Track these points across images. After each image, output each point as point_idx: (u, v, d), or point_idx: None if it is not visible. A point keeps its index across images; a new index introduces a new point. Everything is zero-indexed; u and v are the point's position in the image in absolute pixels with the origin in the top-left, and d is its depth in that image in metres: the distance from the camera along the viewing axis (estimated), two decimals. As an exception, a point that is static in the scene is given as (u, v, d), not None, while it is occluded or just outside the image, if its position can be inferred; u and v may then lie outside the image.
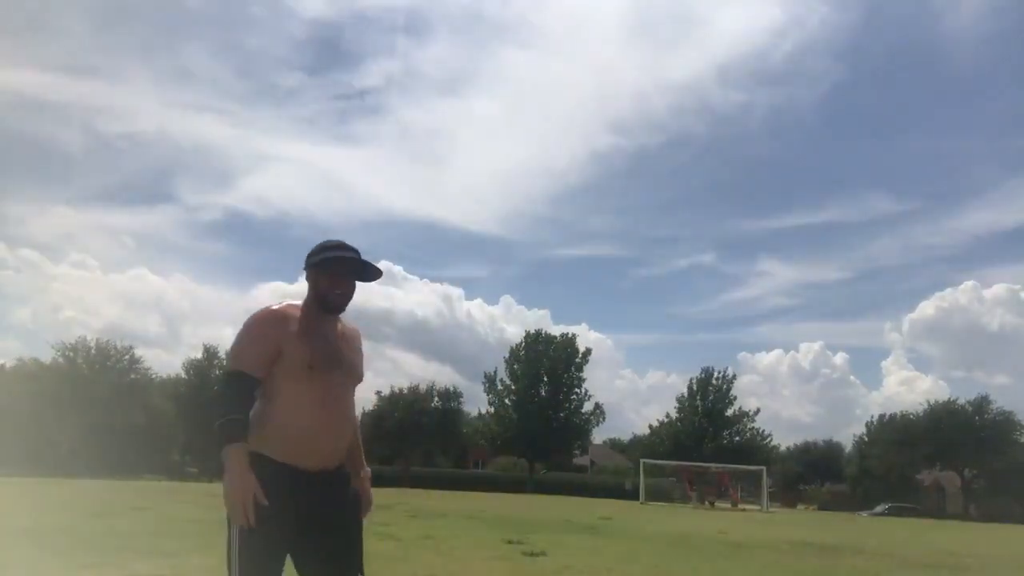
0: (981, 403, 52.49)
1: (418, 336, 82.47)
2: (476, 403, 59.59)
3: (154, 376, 52.85)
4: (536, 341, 51.37)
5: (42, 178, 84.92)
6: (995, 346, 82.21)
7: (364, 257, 2.47)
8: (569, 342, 51.45)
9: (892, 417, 58.04)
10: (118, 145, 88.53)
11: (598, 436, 64.68)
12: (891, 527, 24.02)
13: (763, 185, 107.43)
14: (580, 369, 51.20)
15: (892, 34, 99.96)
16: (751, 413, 53.46)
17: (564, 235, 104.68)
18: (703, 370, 54.00)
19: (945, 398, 55.37)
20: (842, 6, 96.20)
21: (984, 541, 17.74)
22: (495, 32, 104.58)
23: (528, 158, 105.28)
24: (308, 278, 2.43)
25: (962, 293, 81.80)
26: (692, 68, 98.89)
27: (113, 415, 45.01)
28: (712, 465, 42.03)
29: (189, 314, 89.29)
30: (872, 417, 61.30)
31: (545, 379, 50.45)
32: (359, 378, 2.51)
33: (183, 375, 52.98)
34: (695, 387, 53.76)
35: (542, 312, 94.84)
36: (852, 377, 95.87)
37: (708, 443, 49.98)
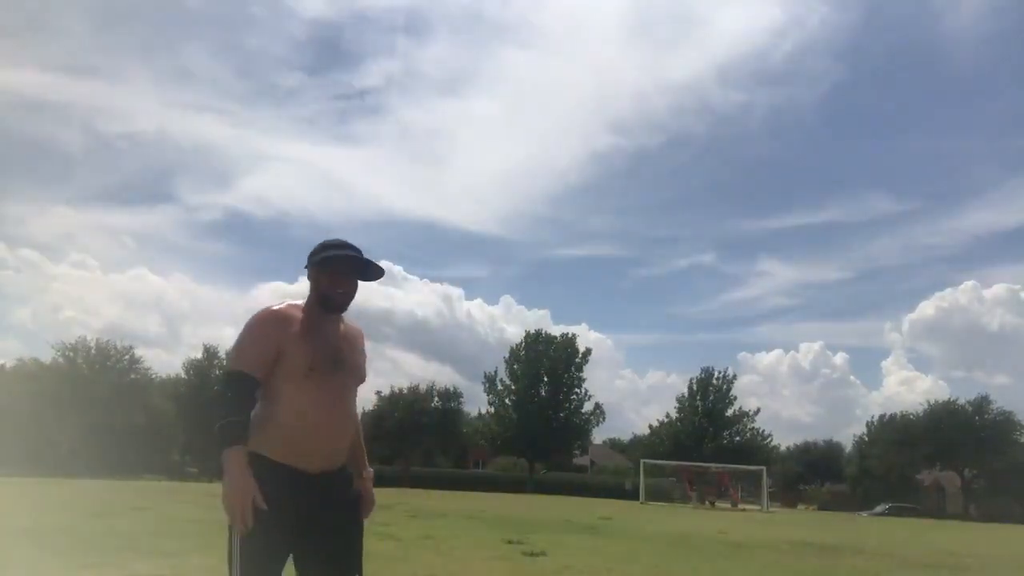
0: (981, 403, 52.54)
1: (418, 336, 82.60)
2: (476, 403, 59.70)
3: (154, 376, 52.96)
4: (536, 341, 51.38)
5: (42, 178, 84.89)
6: (995, 346, 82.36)
7: (365, 256, 2.46)
8: (569, 342, 51.46)
9: (892, 417, 58.08)
10: (118, 145, 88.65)
11: (598, 436, 64.79)
12: (891, 527, 24.02)
13: (763, 185, 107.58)
14: (580, 369, 51.23)
15: (892, 34, 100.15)
16: (751, 413, 53.54)
17: (564, 235, 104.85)
18: (703, 370, 54.10)
19: (945, 398, 55.56)
20: (842, 6, 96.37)
21: (984, 541, 17.74)
22: (495, 32, 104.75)
23: (528, 158, 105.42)
24: (310, 277, 2.41)
25: (962, 293, 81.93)
26: (692, 68, 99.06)
27: (113, 415, 45.02)
28: (712, 465, 42.03)
29: (189, 314, 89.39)
30: (872, 417, 61.45)
31: (545, 379, 50.45)
32: (361, 379, 2.49)
33: (183, 375, 53.04)
34: (695, 387, 53.77)
35: (542, 312, 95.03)
36: (852, 377, 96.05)
37: (708, 443, 49.96)
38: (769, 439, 54.25)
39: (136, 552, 6.87)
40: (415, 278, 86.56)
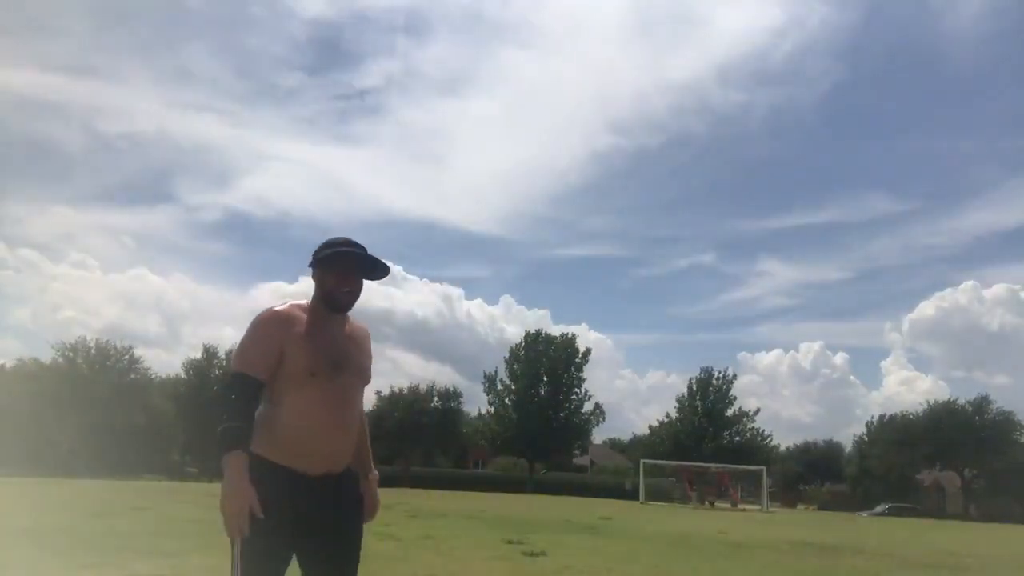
0: (981, 403, 52.53)
1: (418, 336, 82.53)
2: (476, 403, 59.67)
3: (154, 376, 52.93)
4: (536, 341, 51.37)
5: (42, 178, 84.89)
6: (995, 346, 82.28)
7: (371, 254, 2.41)
8: (569, 342, 51.45)
9: (892, 417, 58.07)
10: (118, 145, 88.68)
11: (598, 436, 64.79)
12: (891, 527, 24.02)
13: (763, 185, 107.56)
14: (580, 369, 51.22)
15: (892, 34, 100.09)
16: (751, 413, 53.48)
17: (564, 235, 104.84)
18: (703, 370, 54.04)
19: (945, 398, 55.55)
20: (842, 6, 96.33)
21: (984, 541, 17.74)
22: (495, 32, 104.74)
23: (528, 158, 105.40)
24: (314, 276, 2.38)
25: (962, 293, 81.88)
26: (692, 68, 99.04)
27: (113, 415, 45.01)
28: (712, 465, 42.01)
29: (189, 314, 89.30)
30: (872, 417, 61.44)
31: (545, 379, 50.44)
32: (366, 380, 2.46)
33: (183, 375, 52.96)
34: (695, 387, 53.73)
35: (542, 312, 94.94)
36: (852, 377, 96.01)
37: (708, 443, 49.94)
38: (769, 439, 54.28)
39: (136, 552, 6.87)
40: (415, 278, 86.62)
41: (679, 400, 54.48)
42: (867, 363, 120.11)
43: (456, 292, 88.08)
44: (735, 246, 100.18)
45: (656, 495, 37.81)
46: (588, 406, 51.01)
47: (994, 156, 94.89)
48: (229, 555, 2.17)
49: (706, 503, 36.80)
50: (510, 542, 9.46)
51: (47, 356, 48.49)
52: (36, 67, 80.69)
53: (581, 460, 60.94)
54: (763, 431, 53.66)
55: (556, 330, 53.01)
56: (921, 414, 54.94)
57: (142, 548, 7.16)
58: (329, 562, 2.30)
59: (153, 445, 49.90)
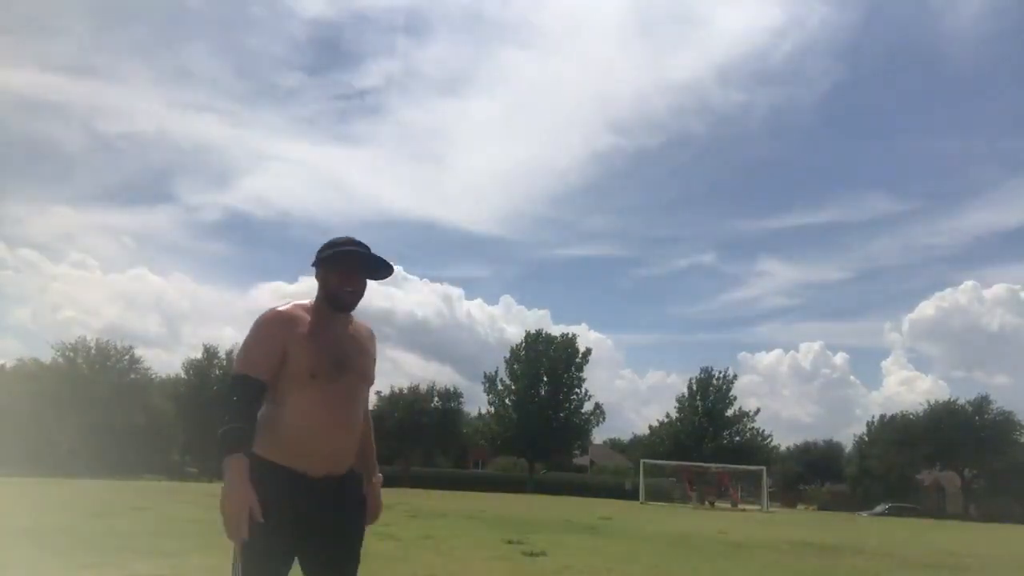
0: (981, 403, 52.53)
1: (418, 336, 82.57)
2: (476, 403, 59.68)
3: (154, 376, 52.93)
4: (536, 341, 51.38)
5: (42, 178, 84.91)
6: (995, 346, 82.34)
7: (374, 253, 2.39)
8: (569, 342, 51.46)
9: (892, 417, 58.09)
10: (118, 145, 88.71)
11: (598, 436, 64.80)
12: (891, 527, 24.02)
13: (763, 185, 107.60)
14: (580, 369, 51.24)
15: (892, 34, 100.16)
16: (751, 413, 53.51)
17: (564, 235, 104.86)
18: (703, 370, 54.07)
19: (945, 398, 55.56)
20: (842, 6, 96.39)
21: (984, 541, 17.74)
22: (495, 32, 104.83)
23: (528, 158, 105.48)
24: (317, 275, 2.37)
25: (962, 293, 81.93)
26: (692, 68, 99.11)
27: (113, 415, 45.01)
28: (712, 465, 42.02)
29: (189, 314, 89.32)
30: (872, 417, 61.46)
31: (545, 379, 50.46)
32: (369, 381, 2.45)
33: (183, 375, 52.93)
34: (695, 387, 53.75)
35: (542, 312, 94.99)
36: (852, 377, 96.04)
37: (708, 443, 49.95)
38: (769, 439, 54.31)
39: (136, 552, 6.87)
40: (415, 278, 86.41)
41: (679, 400, 54.56)
42: (867, 363, 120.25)
43: (456, 292, 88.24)
44: (735, 246, 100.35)
45: (656, 495, 37.82)
46: (588, 406, 51.12)
47: (994, 156, 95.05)
48: (229, 555, 2.17)
49: (706, 503, 36.80)
50: (510, 542, 9.46)
51: (47, 356, 48.60)
52: (36, 67, 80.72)
53: (581, 460, 60.94)
54: (763, 431, 53.79)
55: (556, 330, 53.14)
56: (921, 414, 54.97)
57: (142, 548, 7.16)
58: (329, 563, 2.29)
59: (153, 445, 49.89)
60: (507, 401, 50.45)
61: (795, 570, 9.06)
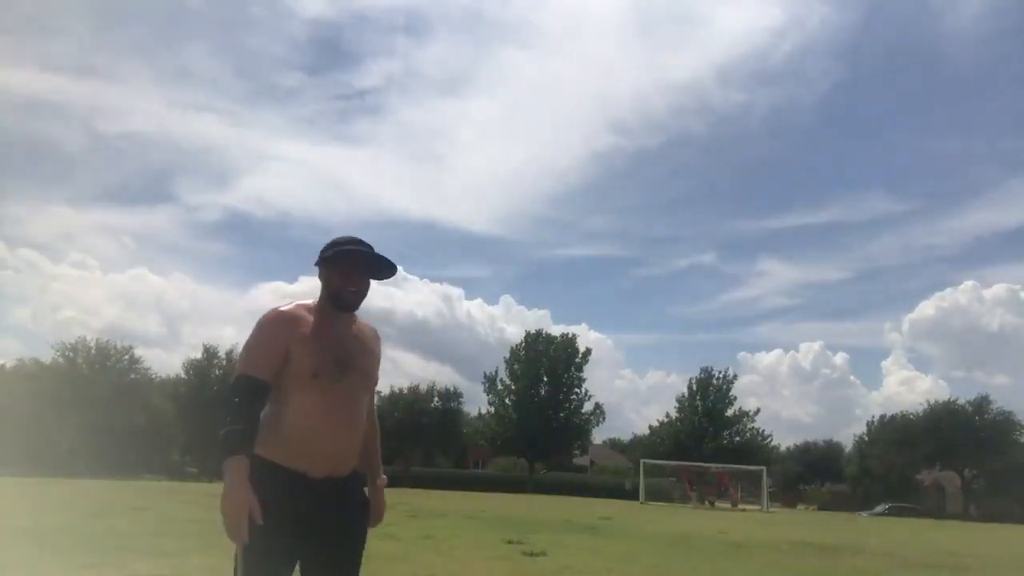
0: (981, 403, 52.55)
1: (418, 336, 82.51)
2: (476, 403, 59.68)
3: (154, 376, 52.91)
4: (536, 341, 51.39)
5: (42, 178, 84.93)
6: (995, 346, 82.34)
7: (378, 252, 2.38)
8: (569, 342, 51.46)
9: (892, 417, 58.11)
10: (118, 145, 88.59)
11: (598, 436, 64.83)
12: (891, 527, 24.03)
13: (763, 185, 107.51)
14: (580, 369, 51.24)
15: (892, 34, 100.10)
16: (751, 413, 53.54)
17: (564, 235, 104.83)
18: (703, 370, 54.10)
19: (945, 398, 55.60)
20: (842, 6, 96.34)
21: (984, 541, 17.74)
22: (495, 32, 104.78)
23: (528, 158, 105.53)
24: (320, 275, 2.36)
25: (962, 293, 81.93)
26: (692, 68, 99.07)
27: (113, 415, 45.00)
28: (712, 465, 42.04)
29: (189, 314, 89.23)
30: (872, 417, 61.48)
31: (545, 379, 50.47)
32: (373, 381, 2.43)
33: (183, 375, 52.90)
34: (695, 387, 53.77)
35: (542, 312, 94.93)
36: (852, 377, 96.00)
37: (708, 443, 49.97)
38: (769, 439, 54.34)
39: (136, 552, 6.88)
40: (415, 278, 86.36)
41: (679, 400, 54.60)
42: (867, 363, 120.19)
43: (456, 292, 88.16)
44: (735, 246, 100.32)
45: (656, 495, 37.82)
46: (588, 406, 51.13)
47: (994, 156, 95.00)
48: (229, 555, 2.17)
49: (706, 503, 36.81)
50: (510, 542, 9.47)
51: (47, 356, 48.56)
52: (36, 67, 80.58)
53: (581, 460, 60.93)
54: (763, 431, 53.83)
55: (556, 330, 53.17)
56: (921, 414, 54.98)
57: (142, 548, 7.16)
58: (329, 565, 2.28)
59: (153, 445, 49.88)
60: (507, 401, 50.46)
61: (795, 570, 9.06)
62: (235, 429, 2.09)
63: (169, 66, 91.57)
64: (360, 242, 2.38)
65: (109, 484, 23.20)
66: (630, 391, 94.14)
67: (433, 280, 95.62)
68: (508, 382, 50.85)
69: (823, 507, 56.96)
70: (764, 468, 39.65)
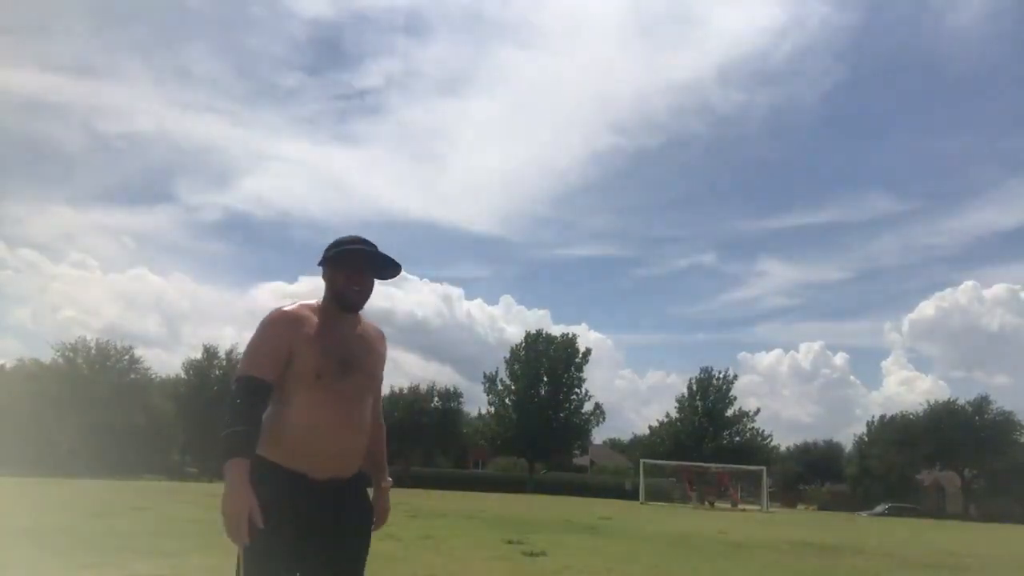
0: (981, 403, 52.59)
1: (418, 336, 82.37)
2: (476, 403, 59.72)
3: (154, 376, 52.87)
4: (536, 341, 51.41)
5: (42, 178, 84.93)
6: (995, 346, 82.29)
7: (382, 252, 2.36)
8: (569, 342, 51.48)
9: (892, 417, 58.14)
10: (118, 145, 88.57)
11: (598, 436, 64.86)
12: (891, 527, 24.03)
13: (763, 185, 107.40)
14: (580, 369, 51.28)
15: (892, 34, 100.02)
16: (751, 413, 53.61)
17: (564, 235, 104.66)
18: (703, 370, 54.17)
19: (945, 398, 55.65)
20: (842, 6, 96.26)
21: (984, 541, 17.75)
22: (495, 32, 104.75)
23: (528, 158, 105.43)
24: (324, 275, 2.34)
25: (962, 293, 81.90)
26: (692, 68, 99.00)
27: (113, 415, 44.99)
28: (712, 465, 42.04)
29: (189, 314, 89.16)
30: (872, 417, 61.51)
31: (545, 379, 50.49)
32: (378, 381, 2.41)
33: (183, 375, 52.91)
34: (695, 387, 53.80)
35: (542, 312, 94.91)
36: (852, 377, 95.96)
37: (708, 443, 50.00)
38: (769, 439, 54.39)
39: (136, 552, 6.88)
40: (415, 278, 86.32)
41: (679, 400, 54.64)
42: (867, 363, 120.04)
43: (456, 292, 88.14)
44: (735, 246, 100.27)
45: (656, 495, 37.83)
46: (588, 406, 51.20)
47: (994, 156, 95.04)
48: (229, 555, 2.17)
49: (706, 503, 36.81)
50: (510, 542, 9.47)
51: (47, 356, 48.54)
52: (36, 67, 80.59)
53: (581, 460, 60.95)
54: (763, 431, 53.91)
55: (556, 330, 53.23)
56: (921, 414, 55.01)
57: (142, 548, 7.16)
58: (331, 567, 2.26)
59: (153, 445, 49.85)
60: (507, 401, 50.48)
61: (795, 570, 9.06)
62: (237, 430, 2.08)
63: (169, 66, 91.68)
64: (364, 241, 2.36)
65: (109, 484, 23.21)
66: (630, 391, 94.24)
67: (433, 280, 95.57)
68: (508, 382, 50.89)
69: (823, 507, 56.97)
70: (764, 468, 39.66)
